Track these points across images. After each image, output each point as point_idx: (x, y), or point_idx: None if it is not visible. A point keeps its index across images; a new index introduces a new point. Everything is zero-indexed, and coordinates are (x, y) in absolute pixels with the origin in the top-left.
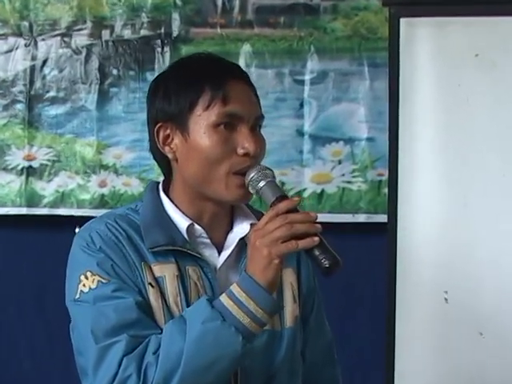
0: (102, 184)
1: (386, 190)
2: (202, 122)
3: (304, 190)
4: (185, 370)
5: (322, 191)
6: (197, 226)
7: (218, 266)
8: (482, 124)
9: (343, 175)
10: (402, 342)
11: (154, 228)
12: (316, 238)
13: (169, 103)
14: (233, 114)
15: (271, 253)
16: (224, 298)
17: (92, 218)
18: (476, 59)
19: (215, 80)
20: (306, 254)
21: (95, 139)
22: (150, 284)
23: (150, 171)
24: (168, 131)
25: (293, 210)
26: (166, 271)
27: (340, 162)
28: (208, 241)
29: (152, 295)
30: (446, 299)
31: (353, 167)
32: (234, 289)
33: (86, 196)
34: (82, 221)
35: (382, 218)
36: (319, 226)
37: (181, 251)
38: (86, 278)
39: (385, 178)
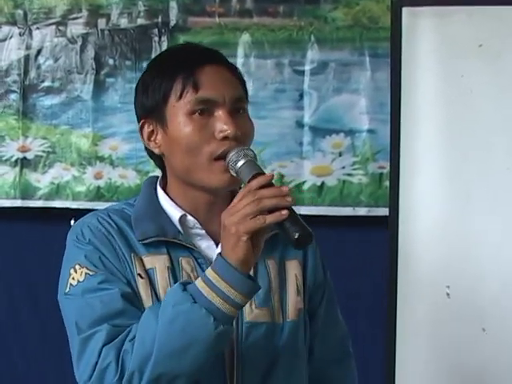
0: (98, 176)
1: (387, 183)
2: (178, 112)
3: (304, 182)
4: (158, 355)
5: (322, 184)
6: (189, 217)
7: (214, 257)
8: (486, 115)
9: (343, 168)
10: (403, 337)
11: (145, 220)
12: (284, 212)
13: (146, 98)
14: (205, 99)
15: (239, 230)
16: (198, 281)
17: (88, 210)
18: (480, 49)
19: (186, 68)
20: (278, 229)
21: (91, 130)
22: (139, 275)
23: (146, 163)
24: (151, 127)
25: (266, 186)
26: (156, 263)
27: (340, 154)
28: (203, 232)
29: (141, 286)
30: (447, 294)
31: (353, 159)
32: (208, 271)
33: (82, 188)
34: (77, 213)
35: (383, 211)
36: (289, 199)
37: (174, 242)
38: (75, 271)
39: (386, 170)
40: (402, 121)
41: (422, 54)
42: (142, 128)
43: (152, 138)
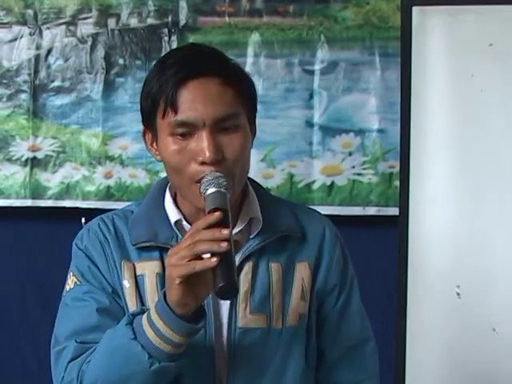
0: (108, 175)
1: (397, 183)
2: (163, 130)
3: (313, 181)
4: (103, 382)
5: (332, 183)
6: (185, 223)
7: None
8: (496, 115)
9: (353, 167)
10: (413, 337)
11: (141, 223)
12: (213, 260)
13: (142, 108)
14: (184, 122)
15: (171, 274)
16: (143, 317)
17: (98, 210)
18: (490, 48)
19: (169, 86)
20: (213, 271)
21: (101, 130)
22: (125, 282)
23: (156, 163)
24: (150, 134)
25: (216, 225)
26: (146, 269)
27: (350, 154)
28: None
29: (127, 294)
30: (458, 294)
31: (363, 159)
32: (151, 309)
33: (92, 188)
34: (87, 213)
35: (393, 210)
36: (224, 244)
37: (167, 247)
38: (70, 277)
39: (396, 170)
40: (411, 120)
41: (432, 53)
42: (144, 133)
43: (153, 145)
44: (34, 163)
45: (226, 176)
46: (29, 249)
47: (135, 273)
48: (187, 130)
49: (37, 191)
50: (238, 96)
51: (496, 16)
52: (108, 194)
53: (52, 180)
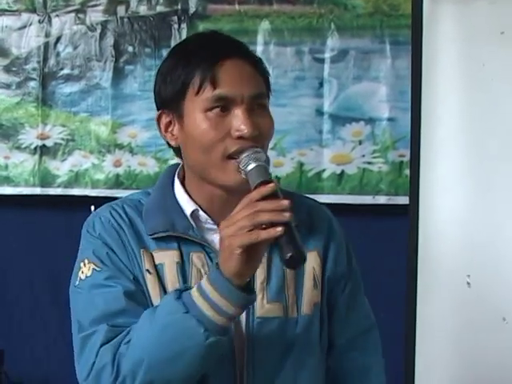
0: (117, 164)
1: (407, 172)
2: (195, 108)
3: (323, 170)
4: (149, 361)
5: (342, 172)
6: (201, 213)
7: None
8: (507, 105)
9: (363, 156)
10: (423, 326)
11: (156, 214)
12: (278, 229)
13: (165, 88)
14: (223, 97)
15: (232, 244)
16: (193, 290)
17: (107, 198)
18: (502, 37)
19: (205, 63)
20: (274, 244)
21: (110, 118)
22: (147, 271)
23: (165, 151)
24: (168, 118)
25: (270, 197)
26: (165, 258)
27: (360, 143)
28: (215, 227)
29: (150, 282)
30: (468, 283)
31: (373, 148)
32: (203, 280)
33: (101, 176)
34: (96, 201)
35: (403, 199)
36: (287, 214)
37: (185, 237)
38: (84, 264)
39: (406, 159)
40: (422, 109)
41: (443, 41)
42: (159, 118)
43: (169, 130)
44: (43, 151)
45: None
46: (38, 237)
47: (154, 262)
48: (224, 105)
49: (46, 179)
50: (263, 79)
51: (508, 4)
52: (117, 182)
53: (61, 168)
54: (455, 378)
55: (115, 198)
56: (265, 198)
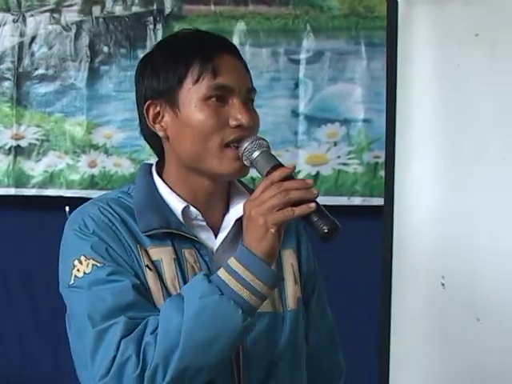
0: (92, 164)
1: (382, 173)
2: (193, 96)
3: (299, 171)
4: (185, 347)
5: (317, 173)
6: (192, 209)
7: (215, 248)
8: (482, 105)
9: (339, 157)
10: (397, 326)
11: (148, 211)
12: (312, 204)
13: (157, 80)
14: (223, 85)
15: (267, 221)
16: (221, 272)
17: (81, 198)
18: (476, 38)
19: (204, 53)
20: (304, 221)
21: (85, 118)
22: (147, 266)
23: (140, 151)
24: (158, 108)
25: (288, 178)
26: (162, 254)
27: (336, 144)
28: (204, 223)
29: (150, 278)
30: (442, 284)
31: (349, 149)
32: (231, 262)
33: (76, 176)
34: (71, 202)
35: (378, 201)
36: (315, 191)
37: (176, 234)
38: (80, 262)
39: (381, 160)
40: (397, 110)
41: (418, 43)
42: (147, 109)
43: (157, 120)
44: (17, 151)
45: None
46: (12, 237)
47: (150, 258)
48: (222, 94)
49: (20, 180)
50: (250, 78)
51: (482, 6)
52: (92, 182)
53: (36, 168)
54: (429, 378)
55: (90, 199)
56: (284, 179)
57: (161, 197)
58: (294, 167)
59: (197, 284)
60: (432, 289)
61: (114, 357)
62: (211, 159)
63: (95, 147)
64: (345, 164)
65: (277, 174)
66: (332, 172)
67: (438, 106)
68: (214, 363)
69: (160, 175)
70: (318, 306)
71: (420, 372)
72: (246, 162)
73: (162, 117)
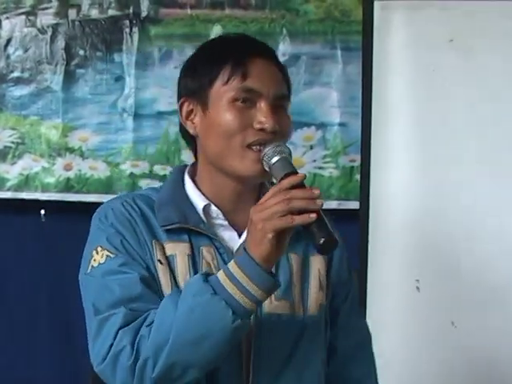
0: (68, 167)
1: (357, 177)
2: (222, 97)
3: None
4: (174, 343)
5: None
6: (213, 207)
7: (235, 248)
8: (457, 110)
9: (315, 161)
10: (372, 329)
11: (168, 206)
12: (312, 215)
13: (192, 79)
14: (251, 89)
15: (265, 227)
16: (220, 273)
17: (57, 201)
18: (451, 44)
19: (237, 56)
20: (305, 230)
21: (61, 121)
22: (158, 261)
23: (116, 155)
24: (191, 106)
25: (298, 186)
26: (177, 249)
27: (311, 148)
28: (225, 222)
29: (161, 272)
30: (417, 288)
31: (324, 153)
32: (231, 263)
33: (51, 179)
34: (46, 205)
35: (354, 204)
36: (320, 202)
37: (195, 231)
38: (97, 252)
39: (357, 164)
40: (373, 114)
41: (394, 47)
42: (181, 106)
43: (190, 118)
44: None
45: None
46: None
47: (165, 253)
48: (250, 97)
49: None
50: (287, 85)
51: (457, 12)
52: (68, 185)
53: (11, 171)
54: (404, 381)
55: (66, 202)
56: (294, 187)
57: (185, 194)
58: (305, 176)
59: (193, 282)
60: (407, 292)
61: (111, 345)
62: (233, 158)
63: (71, 150)
64: (320, 168)
65: (286, 182)
66: (308, 176)
67: (413, 109)
68: (204, 362)
69: (193, 176)
70: (349, 317)
71: (395, 375)
72: (265, 167)
73: (194, 114)
